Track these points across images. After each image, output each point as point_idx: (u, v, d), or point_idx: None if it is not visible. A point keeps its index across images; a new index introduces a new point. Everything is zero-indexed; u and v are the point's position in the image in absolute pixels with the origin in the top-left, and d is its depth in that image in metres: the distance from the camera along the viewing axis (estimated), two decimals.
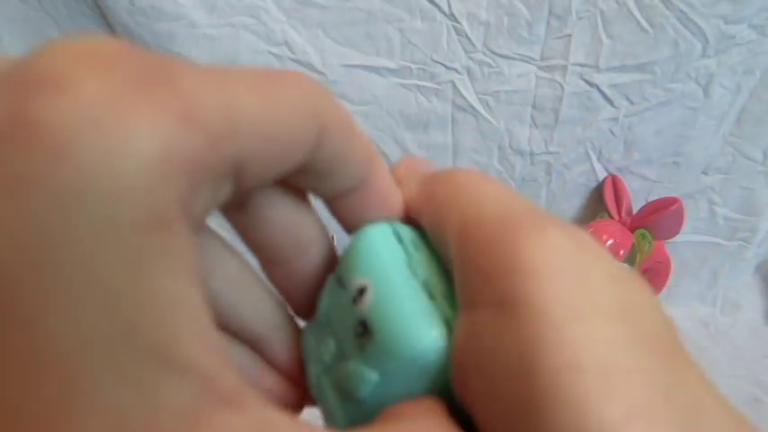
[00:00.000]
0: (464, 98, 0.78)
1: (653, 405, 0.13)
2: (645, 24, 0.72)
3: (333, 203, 0.19)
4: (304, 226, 0.18)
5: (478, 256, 0.14)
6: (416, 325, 0.15)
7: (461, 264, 0.15)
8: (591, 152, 0.82)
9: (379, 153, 0.19)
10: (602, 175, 0.84)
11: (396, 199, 0.20)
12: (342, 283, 0.18)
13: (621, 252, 0.76)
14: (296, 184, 0.17)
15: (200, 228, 0.13)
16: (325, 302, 0.19)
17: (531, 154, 0.82)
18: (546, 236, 0.14)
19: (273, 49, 0.73)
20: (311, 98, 0.14)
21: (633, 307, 0.14)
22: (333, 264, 0.20)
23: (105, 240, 0.09)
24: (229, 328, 0.18)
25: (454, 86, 0.78)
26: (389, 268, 0.17)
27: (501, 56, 0.76)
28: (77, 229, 0.09)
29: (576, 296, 0.13)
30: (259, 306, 0.19)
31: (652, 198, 0.84)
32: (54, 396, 0.09)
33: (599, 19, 0.73)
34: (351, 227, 0.20)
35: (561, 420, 0.12)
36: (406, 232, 0.19)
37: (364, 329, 0.16)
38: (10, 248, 0.09)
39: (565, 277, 0.13)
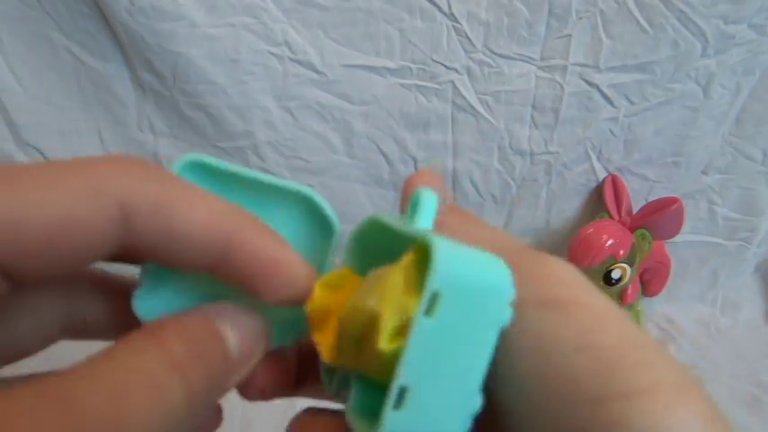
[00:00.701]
0: (464, 98, 0.78)
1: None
2: (645, 24, 0.72)
3: (213, 276, 0.19)
4: (211, 228, 0.18)
5: (517, 271, 0.18)
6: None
7: None
8: (591, 152, 0.83)
9: (244, 219, 0.18)
10: (602, 175, 0.85)
11: (280, 257, 0.19)
12: None
13: (621, 252, 0.76)
14: (148, 261, 0.18)
15: None
16: None
17: (531, 154, 0.82)
18: (557, 260, 0.18)
19: (273, 49, 0.73)
20: (103, 178, 0.15)
21: None
22: (272, 235, 0.20)
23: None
24: None
25: (454, 86, 0.78)
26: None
27: (501, 56, 0.76)
28: None
29: (595, 299, 0.17)
30: None
31: (652, 198, 0.84)
32: None
33: (599, 19, 0.73)
34: (248, 291, 0.19)
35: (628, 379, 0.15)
36: None
37: None
38: None
39: (582, 284, 0.18)
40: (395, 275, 0.16)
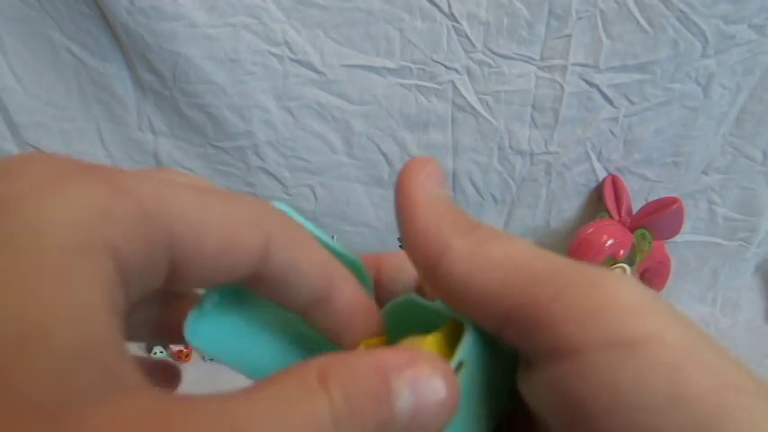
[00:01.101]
0: (464, 98, 0.78)
1: None
2: (645, 24, 0.72)
3: (303, 316, 0.19)
4: (325, 272, 0.19)
5: (564, 306, 0.14)
6: None
7: (538, 317, 0.15)
8: (591, 152, 0.83)
9: (341, 268, 0.19)
10: (602, 175, 0.85)
11: (366, 311, 0.20)
12: None
13: (621, 252, 0.76)
14: (260, 294, 0.18)
15: (128, 283, 0.14)
16: None
17: (531, 154, 0.82)
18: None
19: (273, 49, 0.73)
20: (257, 211, 0.17)
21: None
22: (361, 289, 0.20)
23: (32, 257, 0.12)
24: None
25: (454, 86, 0.78)
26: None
27: (501, 56, 0.76)
28: (13, 248, 0.12)
29: (681, 327, 0.15)
30: None
31: (652, 198, 0.84)
32: None
33: (599, 19, 0.73)
34: (331, 336, 0.20)
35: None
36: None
37: None
38: None
39: (660, 311, 0.15)
40: (430, 343, 0.17)
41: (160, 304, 0.20)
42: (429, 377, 0.14)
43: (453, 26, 0.74)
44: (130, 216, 0.14)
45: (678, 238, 0.83)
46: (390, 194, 0.72)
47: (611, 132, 0.81)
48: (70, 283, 0.12)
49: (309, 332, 0.20)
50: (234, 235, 0.16)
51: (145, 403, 0.12)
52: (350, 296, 0.19)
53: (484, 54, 0.75)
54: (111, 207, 0.13)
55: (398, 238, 0.70)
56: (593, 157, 0.83)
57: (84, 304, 0.12)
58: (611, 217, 0.81)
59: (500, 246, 0.16)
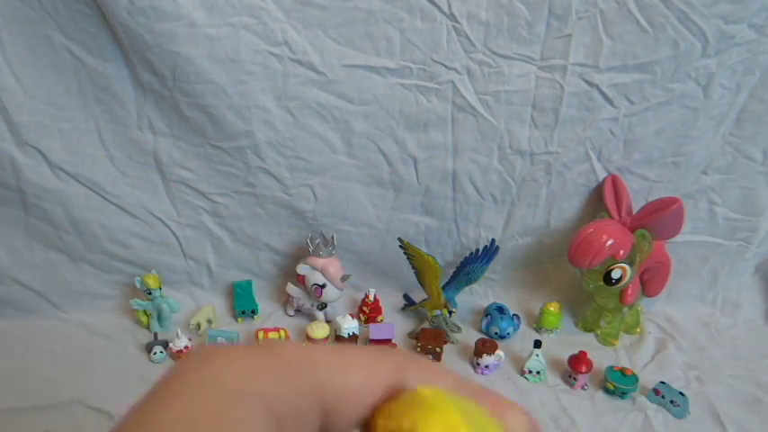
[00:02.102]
0: (464, 98, 0.78)
1: None
2: (645, 24, 0.72)
3: None
4: (458, 387, 0.20)
5: None
6: None
7: None
8: (591, 152, 0.82)
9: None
10: (602, 175, 0.85)
11: None
12: None
13: (621, 252, 0.76)
14: None
15: None
16: None
17: (531, 154, 0.82)
18: None
19: (273, 49, 0.73)
20: (385, 348, 0.19)
21: None
22: None
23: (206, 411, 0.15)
24: None
25: (454, 86, 0.78)
26: None
27: (501, 56, 0.76)
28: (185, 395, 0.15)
29: None
30: None
31: (652, 198, 0.84)
32: None
33: (599, 19, 0.73)
34: None
35: None
36: None
37: None
38: None
39: None
40: None
41: None
42: None
43: (453, 26, 0.74)
44: (278, 368, 0.16)
45: (678, 238, 0.83)
46: (390, 194, 0.73)
47: (611, 132, 0.81)
48: (227, 424, 0.15)
49: None
50: (375, 371, 0.18)
51: None
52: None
53: (484, 54, 0.75)
54: (262, 362, 0.16)
55: (404, 295, 0.70)
56: (594, 157, 0.83)
57: None
58: (611, 217, 0.81)
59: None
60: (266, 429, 0.15)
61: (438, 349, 0.80)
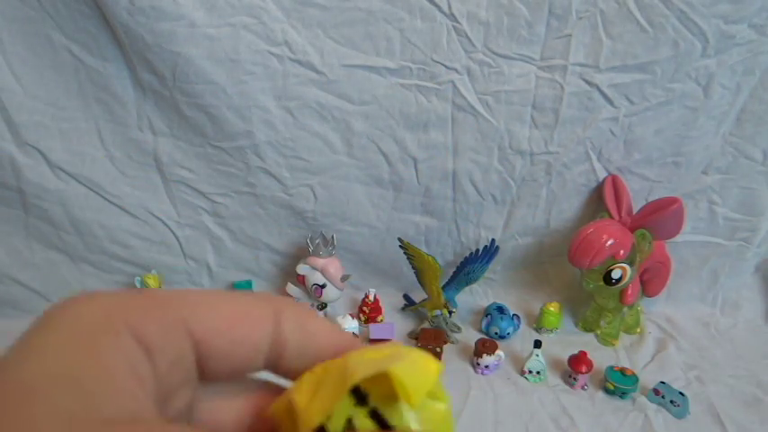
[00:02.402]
0: (464, 98, 0.78)
1: None
2: (645, 24, 0.72)
3: None
4: (336, 335, 0.21)
5: None
6: None
7: None
8: (591, 152, 0.82)
9: (349, 335, 0.21)
10: (602, 175, 0.84)
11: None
12: None
13: (621, 252, 0.76)
14: (287, 368, 0.19)
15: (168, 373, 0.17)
16: None
17: (531, 154, 0.82)
18: None
19: (273, 49, 0.73)
20: (265, 294, 0.19)
21: None
22: None
23: (75, 341, 0.15)
24: None
25: (454, 86, 0.78)
26: None
27: (501, 56, 0.76)
28: (54, 328, 0.15)
29: None
30: None
31: (652, 198, 0.84)
32: None
33: (599, 19, 0.73)
34: None
35: None
36: None
37: None
38: None
39: None
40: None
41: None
42: None
43: (453, 26, 0.74)
44: (144, 304, 0.17)
45: (678, 238, 0.83)
46: (390, 194, 0.73)
47: (611, 132, 0.81)
48: (96, 351, 0.15)
49: None
50: (246, 307, 0.18)
51: None
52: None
53: (484, 54, 0.75)
54: (127, 300, 0.17)
55: (404, 295, 0.70)
56: (594, 157, 0.83)
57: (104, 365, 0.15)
58: (611, 217, 0.81)
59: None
60: (137, 357, 0.16)
61: (438, 349, 0.80)
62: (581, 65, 0.75)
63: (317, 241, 0.84)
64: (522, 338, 0.86)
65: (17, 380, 0.14)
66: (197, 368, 0.18)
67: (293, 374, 0.19)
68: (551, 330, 0.88)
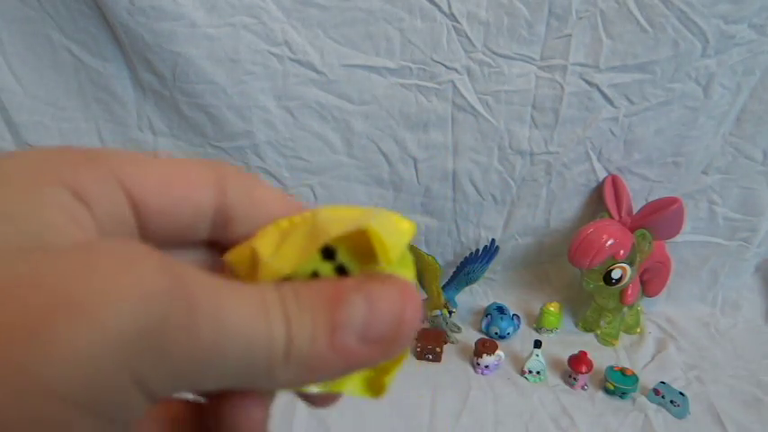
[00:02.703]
0: (464, 98, 0.78)
1: None
2: (645, 24, 0.72)
3: None
4: (282, 201, 0.20)
5: None
6: None
7: None
8: (591, 152, 0.82)
9: (293, 201, 0.20)
10: (602, 175, 0.85)
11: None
12: None
13: (621, 252, 0.76)
14: (234, 236, 0.19)
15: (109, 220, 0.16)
16: None
17: (531, 154, 0.82)
18: None
19: (273, 49, 0.73)
20: (209, 161, 0.18)
21: None
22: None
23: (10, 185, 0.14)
24: None
25: (454, 86, 0.78)
26: None
27: (501, 56, 0.76)
28: None
29: None
30: None
31: (652, 198, 0.84)
32: None
33: (599, 19, 0.73)
34: None
35: None
36: None
37: None
38: None
39: None
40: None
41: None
42: (383, 290, 0.16)
43: (453, 26, 0.74)
44: (74, 158, 0.15)
45: (678, 238, 0.83)
46: (390, 194, 0.73)
47: (611, 132, 0.81)
48: (30, 198, 0.14)
49: None
50: (185, 169, 0.17)
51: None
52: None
53: (484, 54, 0.75)
54: (55, 154, 0.15)
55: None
56: (594, 157, 0.83)
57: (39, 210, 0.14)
58: (611, 217, 0.81)
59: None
60: (75, 207, 0.15)
61: (438, 349, 0.80)
62: (581, 65, 0.76)
63: None
64: (522, 338, 0.86)
65: None
66: (138, 231, 0.16)
67: (241, 242, 0.18)
68: (551, 330, 0.88)
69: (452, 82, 0.77)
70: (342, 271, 0.16)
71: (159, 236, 0.17)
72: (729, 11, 0.72)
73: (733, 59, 0.76)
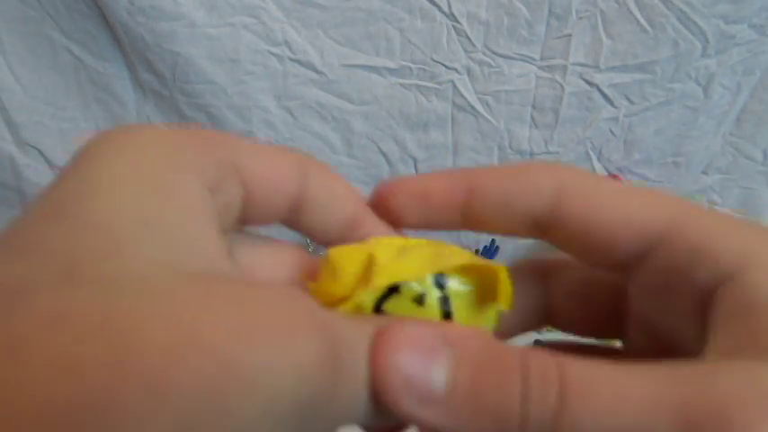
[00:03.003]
0: (464, 98, 0.78)
1: None
2: (645, 24, 0.72)
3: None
4: (356, 198, 0.20)
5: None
6: None
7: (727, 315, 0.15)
8: (591, 152, 0.83)
9: (365, 204, 0.20)
10: (602, 174, 0.85)
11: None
12: None
13: None
14: (304, 225, 0.19)
15: (224, 214, 0.16)
16: None
17: (531, 154, 0.82)
18: None
19: (273, 49, 0.73)
20: (291, 152, 0.18)
21: None
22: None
23: (140, 177, 0.14)
24: None
25: (454, 86, 0.78)
26: None
27: (501, 56, 0.76)
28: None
29: None
30: None
31: None
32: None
33: (599, 19, 0.73)
34: None
35: None
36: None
37: None
38: None
39: None
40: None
41: None
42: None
43: (453, 26, 0.74)
44: (197, 142, 0.16)
45: None
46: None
47: (611, 132, 0.81)
48: (167, 190, 0.14)
49: None
50: (278, 156, 0.17)
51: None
52: (373, 226, 0.20)
53: (484, 54, 0.75)
54: (179, 137, 0.16)
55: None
56: (594, 157, 0.83)
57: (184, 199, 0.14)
58: None
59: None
60: (202, 195, 0.15)
61: None
62: (581, 65, 0.76)
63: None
64: (521, 338, 0.86)
65: (91, 222, 0.12)
66: (239, 218, 0.17)
67: (307, 232, 0.19)
68: (552, 330, 0.88)
69: (452, 82, 0.77)
70: (445, 302, 0.17)
71: (248, 221, 0.17)
72: (729, 11, 0.72)
73: (733, 59, 0.76)
